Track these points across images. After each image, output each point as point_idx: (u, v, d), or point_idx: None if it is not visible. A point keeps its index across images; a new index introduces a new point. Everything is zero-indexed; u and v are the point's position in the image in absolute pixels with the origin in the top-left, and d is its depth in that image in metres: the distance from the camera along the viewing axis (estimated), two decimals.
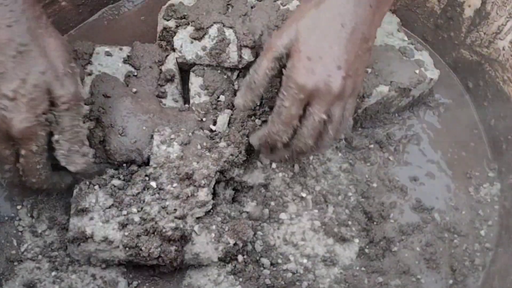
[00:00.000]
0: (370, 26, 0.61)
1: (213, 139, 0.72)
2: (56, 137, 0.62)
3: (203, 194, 0.67)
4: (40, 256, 0.69)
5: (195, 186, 0.67)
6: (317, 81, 0.58)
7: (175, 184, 0.67)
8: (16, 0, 0.57)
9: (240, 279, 0.68)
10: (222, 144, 0.71)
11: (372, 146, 0.82)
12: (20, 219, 0.72)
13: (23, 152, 0.60)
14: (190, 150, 0.69)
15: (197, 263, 0.68)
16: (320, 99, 0.59)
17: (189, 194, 0.67)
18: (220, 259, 0.68)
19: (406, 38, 0.85)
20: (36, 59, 0.58)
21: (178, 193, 0.67)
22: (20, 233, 0.71)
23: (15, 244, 0.70)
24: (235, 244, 0.68)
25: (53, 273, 0.68)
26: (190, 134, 0.71)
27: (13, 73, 0.57)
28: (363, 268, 0.72)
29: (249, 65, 0.78)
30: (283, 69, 0.61)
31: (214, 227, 0.68)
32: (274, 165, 0.74)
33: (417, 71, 0.80)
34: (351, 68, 0.60)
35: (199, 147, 0.69)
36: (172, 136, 0.70)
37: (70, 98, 0.60)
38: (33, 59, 0.58)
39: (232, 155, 0.69)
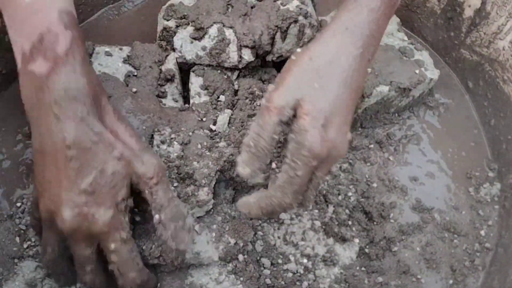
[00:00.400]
0: (365, 78, 0.60)
1: (213, 139, 0.72)
2: (157, 217, 0.58)
3: (204, 194, 0.67)
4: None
5: (195, 185, 0.67)
6: (331, 148, 0.55)
7: (175, 184, 0.67)
8: (86, 93, 0.55)
9: (241, 279, 0.68)
10: (222, 144, 0.71)
11: (372, 146, 0.82)
12: (20, 217, 0.72)
13: (112, 246, 0.56)
14: (190, 149, 0.69)
15: (198, 262, 0.68)
16: (329, 163, 0.56)
17: (190, 194, 0.67)
18: (220, 259, 0.68)
19: (406, 38, 0.85)
20: (111, 145, 0.55)
21: (179, 192, 0.67)
22: (22, 231, 0.71)
23: (18, 241, 0.70)
24: (235, 243, 0.68)
25: None
26: (190, 133, 0.71)
27: (90, 165, 0.54)
28: (363, 268, 0.72)
29: (249, 65, 0.78)
30: (290, 134, 0.56)
31: (214, 226, 0.68)
32: (273, 165, 0.74)
33: (417, 71, 0.80)
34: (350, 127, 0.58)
35: (199, 146, 0.69)
36: (172, 135, 0.70)
37: (157, 170, 0.58)
38: (108, 146, 0.55)
39: (232, 155, 0.69)
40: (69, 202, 0.54)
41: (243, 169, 0.57)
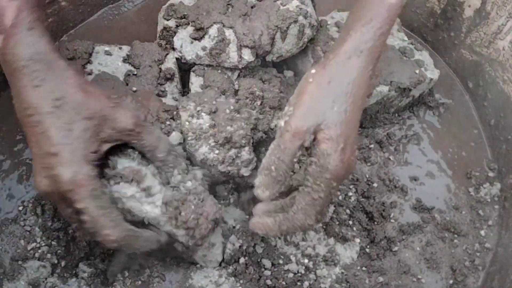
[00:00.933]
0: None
1: (237, 102, 0.73)
2: (159, 156, 0.62)
3: (246, 153, 0.68)
4: (49, 255, 0.69)
5: (236, 147, 0.68)
6: (347, 168, 0.56)
7: (216, 152, 0.68)
8: (38, 60, 0.56)
9: (241, 281, 0.67)
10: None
11: (372, 146, 0.82)
12: (25, 219, 0.72)
13: (80, 205, 0.55)
14: (220, 116, 0.70)
15: (203, 261, 0.68)
16: (342, 182, 0.59)
17: (234, 157, 0.68)
18: (225, 261, 0.68)
19: (406, 38, 0.85)
20: (79, 106, 0.56)
21: (223, 158, 0.68)
22: (28, 232, 0.71)
23: (22, 244, 0.70)
24: (240, 246, 0.68)
25: (58, 272, 0.68)
26: (214, 102, 0.71)
27: (54, 128, 0.55)
28: (364, 268, 0.72)
29: (249, 65, 0.78)
30: (311, 158, 0.56)
31: (221, 230, 0.69)
32: None
33: (417, 71, 0.80)
34: None
35: (227, 111, 0.70)
36: (198, 108, 0.70)
37: (134, 120, 0.60)
38: (74, 107, 0.56)
39: (258, 117, 0.72)
40: (38, 166, 0.55)
41: (262, 192, 0.59)
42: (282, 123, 0.58)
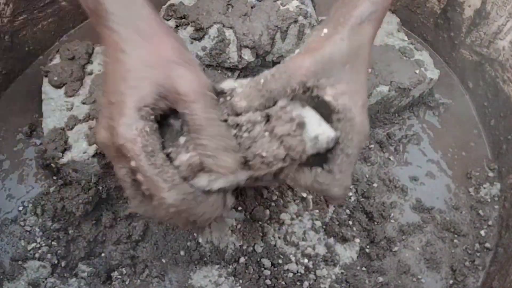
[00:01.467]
0: None
1: None
2: (197, 140, 0.50)
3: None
4: (49, 255, 0.69)
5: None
6: (367, 131, 0.55)
7: None
8: (126, 5, 0.53)
9: (241, 281, 0.67)
10: None
11: (372, 146, 0.82)
12: (25, 219, 0.72)
13: (133, 163, 0.48)
14: None
15: (208, 256, 0.68)
16: (365, 143, 0.58)
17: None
18: (225, 261, 0.68)
19: (406, 38, 0.85)
20: (144, 55, 0.51)
21: None
22: (27, 232, 0.71)
23: (22, 243, 0.70)
24: (241, 246, 0.68)
25: (58, 272, 0.68)
26: None
27: (116, 74, 0.51)
28: (363, 268, 0.72)
29: (249, 65, 0.78)
30: (335, 115, 0.54)
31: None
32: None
33: (417, 71, 0.80)
34: None
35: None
36: None
37: (194, 86, 0.51)
38: (140, 56, 0.51)
39: None
40: (100, 116, 0.51)
41: (240, 100, 0.54)
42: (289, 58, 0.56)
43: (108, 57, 0.52)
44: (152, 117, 0.50)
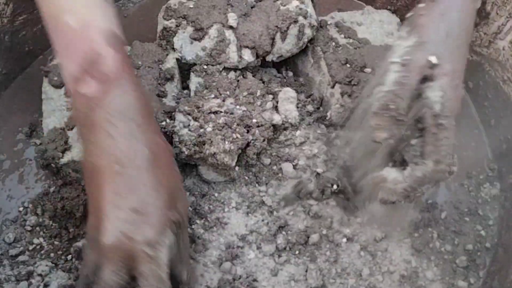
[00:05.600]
0: None
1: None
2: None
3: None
4: (51, 254, 0.69)
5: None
6: (459, 107, 0.56)
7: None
8: (133, 116, 0.55)
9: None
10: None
11: None
12: (25, 220, 0.72)
13: (146, 267, 0.52)
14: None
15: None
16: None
17: None
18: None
19: None
20: (161, 173, 0.55)
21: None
22: (28, 232, 0.71)
23: (23, 243, 0.70)
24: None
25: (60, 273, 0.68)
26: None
27: (144, 185, 0.53)
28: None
29: (249, 65, 0.78)
30: (427, 98, 0.54)
31: None
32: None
33: None
34: None
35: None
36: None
37: (186, 213, 0.58)
38: (160, 171, 0.55)
39: None
40: (115, 218, 0.52)
41: (381, 134, 0.55)
42: (395, 58, 0.56)
43: (121, 161, 0.54)
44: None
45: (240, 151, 0.72)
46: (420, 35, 0.56)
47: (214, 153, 0.69)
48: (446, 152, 0.54)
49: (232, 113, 0.72)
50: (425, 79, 0.54)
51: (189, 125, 0.71)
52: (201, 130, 0.70)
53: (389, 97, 0.54)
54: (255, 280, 0.69)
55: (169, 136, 0.71)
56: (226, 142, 0.69)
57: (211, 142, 0.69)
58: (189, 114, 0.71)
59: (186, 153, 0.70)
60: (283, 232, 0.72)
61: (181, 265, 0.57)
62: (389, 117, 0.54)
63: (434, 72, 0.54)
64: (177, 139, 0.70)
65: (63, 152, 0.68)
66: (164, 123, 0.71)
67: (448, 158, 0.54)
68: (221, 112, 0.72)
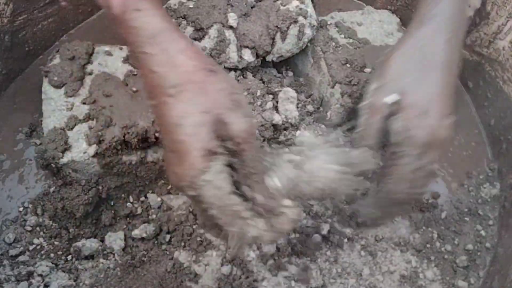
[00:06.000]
0: (458, 58, 0.62)
1: None
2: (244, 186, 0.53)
3: None
4: (51, 255, 0.69)
5: None
6: (434, 134, 0.57)
7: None
8: (157, 41, 0.52)
9: None
10: None
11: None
12: (25, 220, 0.72)
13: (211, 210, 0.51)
14: None
15: None
16: (434, 149, 0.58)
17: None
18: None
19: None
20: (194, 99, 0.51)
21: None
22: (28, 232, 0.71)
23: (23, 243, 0.70)
24: None
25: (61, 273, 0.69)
26: None
27: (168, 117, 0.51)
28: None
29: (249, 65, 0.78)
30: (391, 126, 0.58)
31: None
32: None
33: None
34: (453, 109, 0.59)
35: None
36: None
37: (243, 135, 0.52)
38: (189, 99, 0.51)
39: None
40: (167, 161, 0.53)
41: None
42: (368, 97, 0.61)
43: (153, 99, 0.52)
44: (218, 160, 0.51)
45: None
46: (379, 79, 0.60)
47: None
48: (397, 175, 0.57)
49: None
50: (392, 115, 0.58)
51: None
52: None
53: (359, 136, 0.61)
54: (255, 280, 0.69)
55: None
56: None
57: None
58: None
59: None
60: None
61: (250, 183, 0.53)
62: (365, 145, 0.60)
63: (397, 108, 0.58)
64: None
65: (63, 152, 0.68)
66: None
67: (401, 184, 0.58)
68: None
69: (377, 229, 0.75)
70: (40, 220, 0.71)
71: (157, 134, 0.71)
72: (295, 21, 0.77)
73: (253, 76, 0.79)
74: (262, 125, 0.73)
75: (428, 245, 0.75)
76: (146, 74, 0.52)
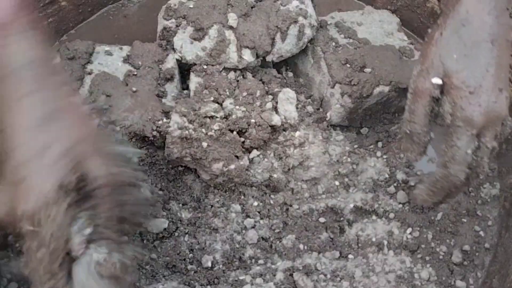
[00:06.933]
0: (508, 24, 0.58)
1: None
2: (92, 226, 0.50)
3: None
4: None
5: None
6: (486, 112, 0.54)
7: None
8: (31, 69, 0.48)
9: None
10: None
11: (372, 146, 0.82)
12: None
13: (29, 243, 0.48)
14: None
15: None
16: (491, 128, 0.56)
17: None
18: None
19: (406, 38, 0.85)
20: (61, 133, 0.49)
21: None
22: None
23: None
24: None
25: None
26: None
27: (36, 141, 0.48)
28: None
29: (249, 65, 0.78)
30: (441, 108, 0.57)
31: None
32: None
33: None
34: (508, 83, 0.57)
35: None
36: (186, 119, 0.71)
37: (109, 180, 0.50)
38: (57, 132, 0.49)
39: None
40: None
41: (410, 154, 0.61)
42: (411, 83, 0.59)
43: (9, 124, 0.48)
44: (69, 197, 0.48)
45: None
46: (421, 63, 0.58)
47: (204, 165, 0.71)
48: (453, 157, 0.56)
49: (227, 119, 0.72)
50: (439, 97, 0.57)
51: (184, 127, 0.70)
52: (194, 133, 0.70)
53: (405, 124, 0.60)
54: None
55: (162, 136, 0.71)
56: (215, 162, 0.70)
57: (205, 155, 0.70)
58: (184, 116, 0.71)
59: (176, 155, 0.70)
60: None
61: (98, 242, 0.50)
62: (410, 141, 0.60)
63: (445, 89, 0.56)
64: (169, 140, 0.70)
65: None
66: (160, 122, 0.71)
67: (458, 165, 0.56)
68: (216, 117, 0.72)
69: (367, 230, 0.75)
70: None
71: (154, 133, 0.71)
72: (295, 21, 0.77)
73: (253, 76, 0.79)
74: (260, 126, 0.73)
75: (423, 246, 0.75)
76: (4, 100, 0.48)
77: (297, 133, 0.77)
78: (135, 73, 0.76)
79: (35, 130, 0.48)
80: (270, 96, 0.77)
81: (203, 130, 0.70)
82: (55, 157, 0.47)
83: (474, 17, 0.56)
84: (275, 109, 0.77)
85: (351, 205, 0.76)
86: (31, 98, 0.48)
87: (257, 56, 0.78)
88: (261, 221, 0.74)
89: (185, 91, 0.80)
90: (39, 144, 0.48)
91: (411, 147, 0.60)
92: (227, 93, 0.76)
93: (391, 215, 0.76)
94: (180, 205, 0.73)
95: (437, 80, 0.56)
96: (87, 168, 0.49)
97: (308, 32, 0.79)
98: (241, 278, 0.69)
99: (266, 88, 0.78)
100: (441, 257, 0.74)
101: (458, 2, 0.57)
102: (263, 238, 0.73)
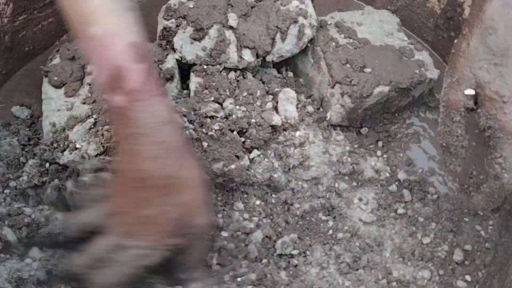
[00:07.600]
0: None
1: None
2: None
3: None
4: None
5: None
6: None
7: None
8: (158, 131, 0.53)
9: None
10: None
11: (372, 146, 0.82)
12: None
13: None
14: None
15: None
16: None
17: None
18: None
19: (406, 38, 0.85)
20: (180, 192, 0.55)
21: None
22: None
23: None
24: None
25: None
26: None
27: (155, 202, 0.55)
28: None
29: (249, 65, 0.78)
30: (479, 119, 0.57)
31: None
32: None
33: (417, 71, 0.79)
34: None
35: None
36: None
37: (206, 228, 0.59)
38: (177, 192, 0.55)
39: None
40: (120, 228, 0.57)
41: (452, 169, 0.62)
42: (442, 96, 0.59)
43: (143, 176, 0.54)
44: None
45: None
46: (451, 75, 0.58)
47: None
48: (503, 168, 0.56)
49: (227, 118, 0.72)
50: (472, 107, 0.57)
51: (184, 127, 0.71)
52: (194, 133, 0.70)
53: (442, 138, 0.60)
54: None
55: None
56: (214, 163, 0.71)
57: (206, 155, 0.70)
58: (185, 116, 0.71)
59: None
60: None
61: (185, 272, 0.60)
62: (449, 154, 0.61)
63: (479, 99, 0.56)
64: None
65: (63, 152, 0.68)
66: None
67: (508, 173, 0.56)
68: (217, 117, 0.72)
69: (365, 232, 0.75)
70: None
71: None
72: (295, 21, 0.77)
73: (253, 76, 0.79)
74: (260, 125, 0.73)
75: (424, 245, 0.75)
76: (140, 156, 0.53)
77: (298, 133, 0.77)
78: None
79: (160, 191, 0.55)
80: (270, 96, 0.77)
81: (204, 130, 0.70)
82: (164, 221, 0.56)
83: (499, 23, 0.55)
84: (275, 109, 0.77)
85: (352, 205, 0.76)
86: (157, 161, 0.54)
87: (257, 56, 0.78)
88: (264, 220, 0.74)
89: (185, 91, 0.80)
90: (157, 205, 0.55)
91: (449, 159, 0.60)
92: (227, 93, 0.76)
93: (392, 214, 0.77)
94: None
95: (470, 91, 0.56)
96: (191, 220, 0.57)
97: (308, 32, 0.79)
98: (246, 276, 0.69)
99: (266, 88, 0.78)
100: (442, 256, 0.74)
101: (481, 10, 0.56)
102: (267, 237, 0.73)
